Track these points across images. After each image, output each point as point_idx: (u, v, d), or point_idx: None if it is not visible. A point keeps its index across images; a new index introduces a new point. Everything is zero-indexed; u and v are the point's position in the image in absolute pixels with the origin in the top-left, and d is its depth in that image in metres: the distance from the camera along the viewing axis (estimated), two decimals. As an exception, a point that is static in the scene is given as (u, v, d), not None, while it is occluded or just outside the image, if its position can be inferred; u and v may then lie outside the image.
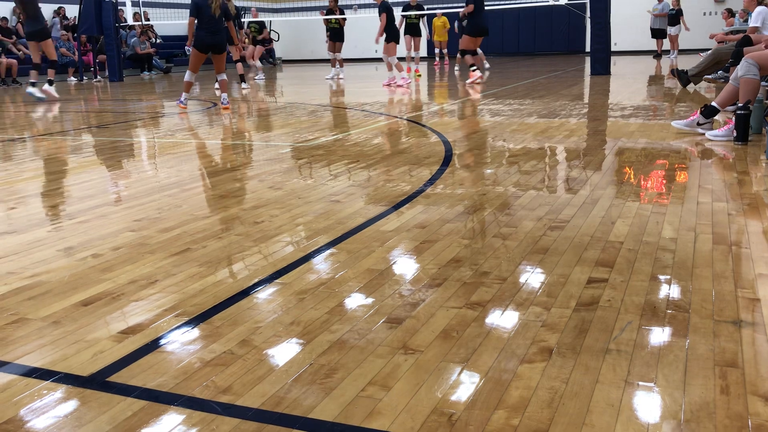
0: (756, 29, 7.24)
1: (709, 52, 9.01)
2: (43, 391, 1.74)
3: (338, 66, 14.98)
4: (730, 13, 16.63)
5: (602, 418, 1.54)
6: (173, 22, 20.13)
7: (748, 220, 3.08)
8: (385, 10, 12.30)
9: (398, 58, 12.70)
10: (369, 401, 1.64)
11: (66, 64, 16.72)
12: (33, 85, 10.83)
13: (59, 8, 18.80)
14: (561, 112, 7.39)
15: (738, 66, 5.55)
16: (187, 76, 8.83)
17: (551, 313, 2.12)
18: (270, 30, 25.61)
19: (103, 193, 4.20)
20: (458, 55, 14.36)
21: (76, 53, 17.24)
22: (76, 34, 17.43)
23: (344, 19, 15.01)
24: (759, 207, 3.30)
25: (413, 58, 15.28)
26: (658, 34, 18.49)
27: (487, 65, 15.76)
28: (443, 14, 18.60)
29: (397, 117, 7.65)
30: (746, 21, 12.95)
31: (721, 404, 1.58)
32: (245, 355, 1.90)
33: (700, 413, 1.55)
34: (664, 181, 3.93)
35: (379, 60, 17.15)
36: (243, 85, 13.22)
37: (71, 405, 1.67)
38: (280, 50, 27.01)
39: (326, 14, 15.15)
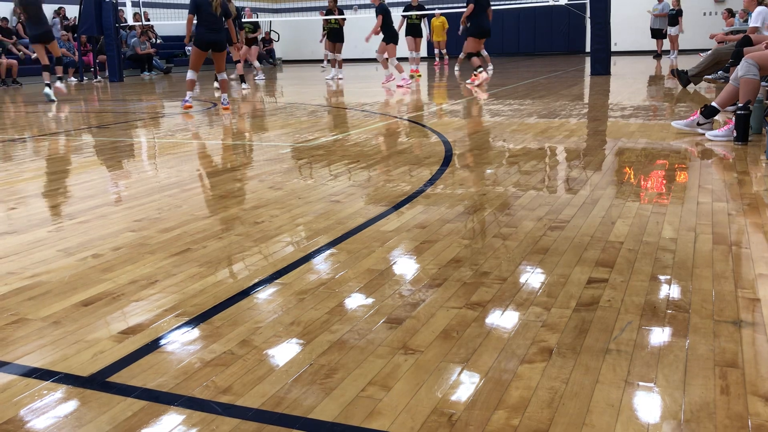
0: (756, 29, 7.25)
1: (709, 52, 9.01)
2: (43, 391, 1.75)
3: (337, 67, 14.97)
4: (730, 13, 16.63)
5: (602, 418, 1.54)
6: (173, 23, 20.13)
7: (748, 220, 3.08)
8: (383, 11, 12.31)
9: (400, 59, 12.70)
10: (369, 401, 1.64)
11: (66, 65, 16.71)
12: (49, 86, 10.88)
13: (59, 8, 18.81)
14: (561, 113, 7.39)
15: (738, 66, 5.55)
16: (189, 75, 8.82)
17: (551, 313, 2.12)
18: (270, 30, 25.65)
19: (104, 193, 4.20)
20: (460, 56, 14.35)
21: (77, 53, 17.24)
22: (76, 35, 17.43)
23: (344, 20, 15.01)
24: (759, 207, 3.30)
25: (414, 58, 15.28)
26: (658, 34, 18.49)
27: (490, 67, 15.77)
28: (442, 14, 18.60)
29: (397, 117, 7.66)
30: (746, 21, 12.95)
31: (721, 404, 1.58)
32: (245, 356, 1.90)
33: (700, 413, 1.55)
34: (664, 182, 3.93)
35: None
36: (243, 85, 13.23)
37: (71, 405, 1.67)
38: (280, 50, 27.02)
39: (326, 14, 15.15)
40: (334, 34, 14.96)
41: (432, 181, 4.11)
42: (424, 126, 6.75)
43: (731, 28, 13.11)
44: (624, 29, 20.43)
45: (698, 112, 5.57)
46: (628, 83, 10.94)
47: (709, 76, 8.74)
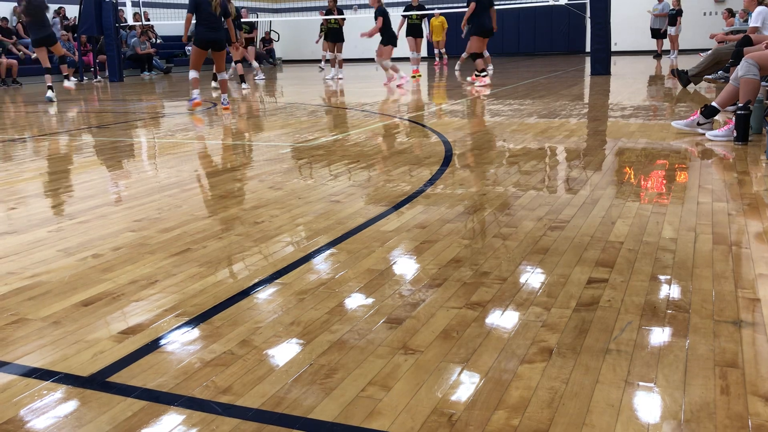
0: (756, 29, 7.24)
1: (709, 52, 9.01)
2: (43, 391, 1.75)
3: (338, 66, 14.97)
4: (731, 13, 16.63)
5: (602, 418, 1.54)
6: (173, 23, 20.12)
7: (748, 220, 3.08)
8: (382, 14, 12.34)
9: (400, 59, 12.70)
10: (369, 401, 1.64)
11: (67, 64, 16.72)
12: (51, 89, 10.91)
13: (59, 8, 18.81)
14: (561, 112, 7.39)
15: (738, 66, 5.55)
16: (192, 74, 8.79)
17: (551, 313, 2.12)
18: (270, 30, 25.65)
19: (104, 193, 4.20)
20: (463, 55, 14.33)
21: (77, 53, 17.24)
22: (76, 35, 17.43)
23: (343, 19, 15.01)
24: (759, 207, 3.30)
25: (415, 58, 15.28)
26: (658, 34, 18.49)
27: (491, 67, 15.77)
28: (441, 14, 18.59)
29: (397, 117, 7.66)
30: (746, 21, 12.95)
31: (721, 404, 1.58)
32: (245, 356, 1.90)
33: (700, 413, 1.55)
34: (664, 181, 3.93)
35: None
36: (243, 85, 13.23)
37: (71, 405, 1.67)
38: (280, 50, 27.02)
39: (325, 14, 15.15)
40: (334, 34, 14.95)
41: (432, 181, 4.11)
42: (424, 126, 6.75)
43: (731, 28, 13.10)
44: (624, 29, 20.43)
45: (698, 112, 5.57)
46: (628, 83, 10.94)
47: (709, 76, 8.74)
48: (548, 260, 2.62)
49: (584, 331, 1.98)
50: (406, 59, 16.94)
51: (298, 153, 5.41)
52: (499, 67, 17.32)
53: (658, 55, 18.80)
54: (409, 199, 3.70)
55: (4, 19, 16.75)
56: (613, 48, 14.19)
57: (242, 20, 15.60)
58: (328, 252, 2.84)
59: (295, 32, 26.70)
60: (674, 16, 18.00)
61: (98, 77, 17.31)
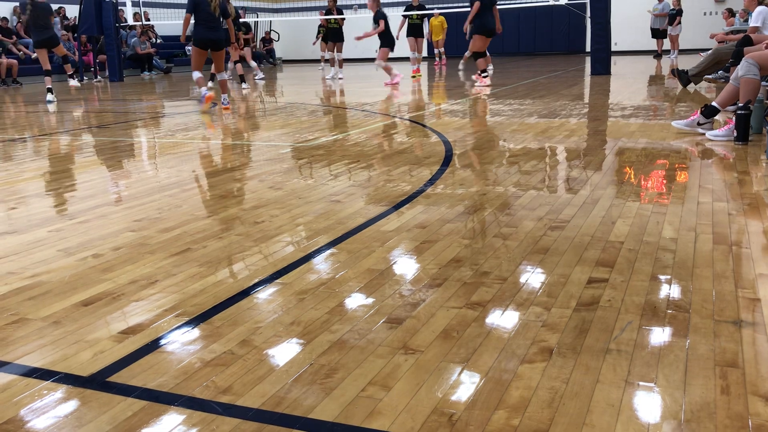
0: (756, 29, 7.24)
1: (710, 52, 9.01)
2: (43, 391, 1.74)
3: (338, 66, 14.98)
4: (731, 13, 16.63)
5: (602, 418, 1.54)
6: (173, 22, 20.12)
7: (748, 220, 3.08)
8: (383, 17, 12.39)
9: (401, 59, 12.72)
10: (369, 401, 1.64)
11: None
12: (50, 91, 10.92)
13: (59, 8, 18.80)
14: (561, 112, 7.39)
15: (738, 66, 5.55)
16: (195, 75, 8.75)
17: (551, 313, 2.12)
18: (270, 30, 25.65)
19: (104, 193, 4.20)
20: (466, 54, 14.31)
21: (77, 53, 17.25)
22: (76, 34, 17.44)
23: (343, 20, 15.01)
24: (759, 207, 3.30)
25: (416, 58, 15.27)
26: (658, 34, 18.49)
27: (491, 67, 15.77)
28: (440, 14, 18.59)
29: (397, 117, 7.65)
30: (746, 21, 12.95)
31: (721, 404, 1.58)
32: (245, 355, 1.90)
33: (700, 413, 1.54)
34: (665, 181, 3.93)
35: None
36: (243, 85, 13.24)
37: (71, 405, 1.67)
38: (280, 50, 27.01)
39: (325, 14, 15.15)
40: (334, 34, 14.96)
41: (432, 181, 4.11)
42: (424, 126, 6.75)
43: (731, 28, 13.10)
44: (624, 29, 20.42)
45: (698, 111, 5.57)
46: (629, 83, 10.94)
47: (710, 76, 8.74)
48: (548, 260, 2.62)
49: (584, 331, 1.98)
50: (406, 59, 16.95)
51: (298, 153, 5.41)
52: (499, 66, 17.31)
53: (658, 54, 18.80)
54: (409, 199, 3.70)
55: (4, 19, 16.76)
56: (614, 48, 14.19)
57: (240, 20, 15.62)
58: (328, 252, 2.84)
59: (295, 32, 26.69)
60: (674, 16, 18.00)
61: (98, 77, 17.31)
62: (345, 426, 1.55)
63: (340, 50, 15.03)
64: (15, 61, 15.89)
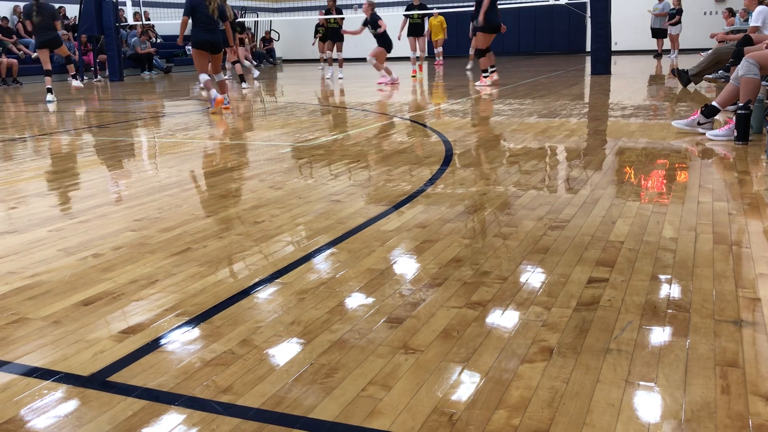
0: (756, 29, 7.24)
1: (710, 51, 9.00)
2: (43, 390, 1.75)
3: (338, 66, 14.97)
4: (731, 13, 16.62)
5: (603, 418, 1.54)
6: (174, 22, 20.09)
7: (748, 219, 3.08)
8: (379, 18, 12.44)
9: (401, 58, 12.73)
10: (369, 401, 1.64)
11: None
12: (50, 92, 10.92)
13: (59, 8, 18.78)
14: (561, 112, 7.39)
15: (738, 66, 5.55)
16: (202, 77, 8.70)
17: (552, 312, 2.12)
18: (270, 29, 25.64)
19: (104, 192, 4.20)
20: (471, 53, 14.28)
21: (77, 53, 17.24)
22: (76, 34, 17.44)
23: (342, 19, 15.01)
24: (759, 207, 3.30)
25: (418, 57, 15.26)
26: (658, 33, 18.48)
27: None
28: (440, 14, 18.58)
29: (397, 117, 7.65)
30: (747, 20, 12.95)
31: (721, 404, 1.58)
32: (246, 355, 1.90)
33: (700, 413, 1.54)
34: (665, 181, 3.93)
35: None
36: (243, 85, 13.23)
37: (72, 405, 1.67)
38: (280, 50, 27.00)
39: (325, 14, 15.15)
40: (334, 34, 14.95)
41: (432, 181, 4.11)
42: (424, 125, 6.75)
43: (732, 28, 13.10)
44: (624, 29, 20.41)
45: (699, 111, 5.57)
46: (629, 83, 10.94)
47: (710, 76, 8.74)
48: (549, 260, 2.62)
49: (585, 331, 1.98)
50: (407, 59, 16.94)
51: (299, 152, 5.41)
52: (500, 66, 17.27)
53: (658, 54, 18.79)
54: (409, 198, 3.70)
55: (5, 18, 16.75)
56: (614, 47, 14.18)
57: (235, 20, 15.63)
58: (328, 251, 2.84)
59: (295, 32, 26.67)
60: (674, 16, 17.99)
61: (98, 77, 17.31)
62: (345, 426, 1.55)
63: (340, 50, 15.02)
64: (15, 61, 15.89)
